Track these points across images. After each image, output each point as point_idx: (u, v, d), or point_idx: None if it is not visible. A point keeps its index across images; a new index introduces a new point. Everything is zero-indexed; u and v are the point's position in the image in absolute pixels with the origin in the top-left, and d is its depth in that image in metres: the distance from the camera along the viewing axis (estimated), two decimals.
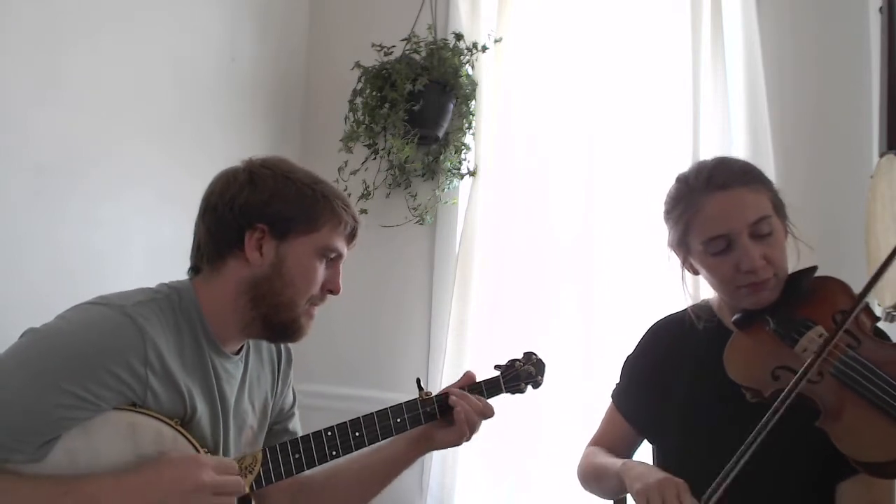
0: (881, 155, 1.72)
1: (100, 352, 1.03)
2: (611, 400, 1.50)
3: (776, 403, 1.08)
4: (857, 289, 1.81)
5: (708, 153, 2.10)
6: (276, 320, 1.19)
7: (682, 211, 1.28)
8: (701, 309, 1.40)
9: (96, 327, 1.05)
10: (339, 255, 1.23)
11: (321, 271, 1.20)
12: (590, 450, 1.47)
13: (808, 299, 1.23)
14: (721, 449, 1.13)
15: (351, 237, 1.24)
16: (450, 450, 2.24)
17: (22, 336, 1.06)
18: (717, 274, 1.26)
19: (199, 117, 2.15)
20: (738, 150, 2.07)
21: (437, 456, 2.27)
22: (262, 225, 1.16)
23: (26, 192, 1.62)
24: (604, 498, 1.47)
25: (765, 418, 1.07)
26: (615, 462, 1.33)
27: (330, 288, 1.22)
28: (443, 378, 2.27)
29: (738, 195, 1.23)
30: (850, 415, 1.09)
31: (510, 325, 2.27)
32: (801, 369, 1.09)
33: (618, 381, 1.51)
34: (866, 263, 1.69)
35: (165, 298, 1.15)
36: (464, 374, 1.40)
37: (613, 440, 1.46)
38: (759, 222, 1.22)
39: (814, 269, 1.28)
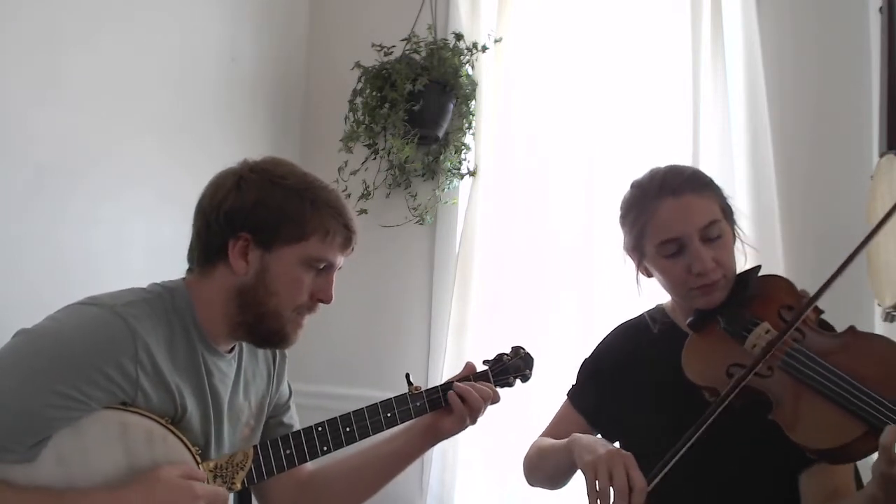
0: (881, 155, 1.72)
1: (90, 352, 1.03)
2: (566, 398, 1.53)
3: (722, 394, 1.13)
4: (857, 288, 1.81)
5: (708, 153, 2.10)
6: (261, 329, 1.18)
7: (637, 216, 1.34)
8: (656, 312, 1.46)
9: (87, 327, 1.05)
10: (330, 265, 1.19)
11: (308, 282, 1.17)
12: (539, 439, 1.51)
13: (755, 297, 1.29)
14: (700, 459, 1.14)
15: (344, 246, 1.20)
16: (450, 449, 2.24)
17: (14, 337, 1.07)
18: (670, 276, 1.31)
19: (199, 117, 2.15)
20: (739, 150, 2.07)
21: (437, 455, 2.27)
22: (246, 233, 1.14)
23: (26, 192, 1.62)
24: (546, 483, 1.49)
25: (712, 406, 1.11)
26: (560, 441, 1.36)
27: (320, 297, 1.19)
28: (443, 378, 2.27)
29: (688, 201, 1.29)
30: (800, 405, 1.13)
31: (510, 325, 2.27)
32: (749, 366, 1.14)
33: (573, 382, 1.54)
34: (866, 263, 1.69)
35: (157, 298, 1.14)
36: (465, 366, 1.40)
37: (563, 434, 1.48)
38: (709, 226, 1.27)
39: (758, 268, 1.35)
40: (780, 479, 1.25)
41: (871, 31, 1.97)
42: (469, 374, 1.37)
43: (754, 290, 1.30)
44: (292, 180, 1.17)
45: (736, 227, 1.36)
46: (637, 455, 1.38)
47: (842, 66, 2.06)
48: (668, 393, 1.33)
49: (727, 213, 1.34)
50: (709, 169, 2.06)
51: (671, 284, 1.33)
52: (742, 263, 1.36)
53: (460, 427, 1.32)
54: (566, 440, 1.32)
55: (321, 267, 1.18)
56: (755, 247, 1.41)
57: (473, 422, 1.33)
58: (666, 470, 1.10)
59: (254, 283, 1.15)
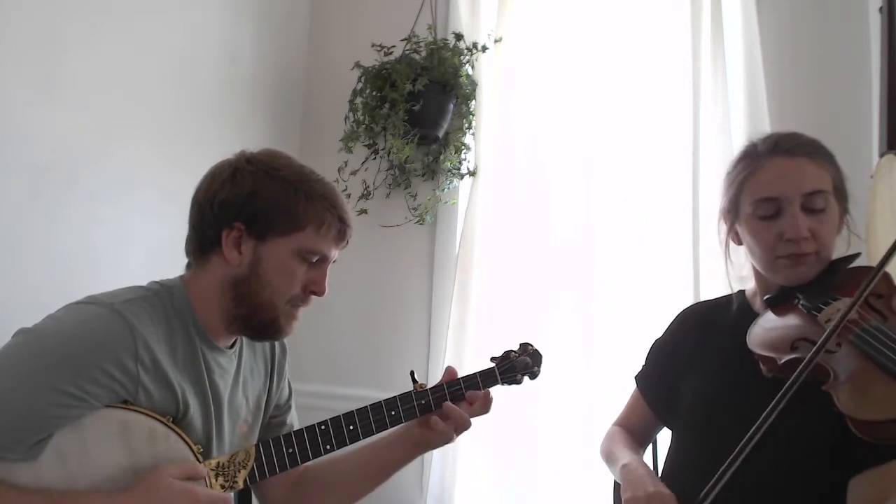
0: (881, 155, 1.72)
1: (91, 350, 1.04)
2: (635, 383, 1.50)
3: (798, 370, 1.05)
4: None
5: (708, 153, 2.10)
6: (256, 320, 1.17)
7: (741, 170, 1.27)
8: (738, 294, 1.40)
9: (87, 326, 1.06)
10: (324, 258, 1.19)
11: (301, 273, 1.17)
12: (613, 430, 1.47)
13: (844, 284, 1.21)
14: (742, 436, 1.11)
15: (338, 239, 1.20)
16: (450, 449, 2.24)
17: (14, 336, 1.07)
18: (760, 239, 1.24)
19: (199, 117, 2.15)
20: (738, 150, 2.07)
21: (437, 456, 2.27)
22: (240, 223, 1.14)
23: (26, 192, 1.62)
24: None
25: (786, 385, 1.04)
26: (623, 456, 1.34)
27: (313, 290, 1.19)
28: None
29: (799, 163, 1.22)
30: (860, 378, 1.07)
31: (510, 324, 2.27)
32: (826, 333, 1.06)
33: (643, 364, 1.50)
34: (867, 263, 1.69)
35: (155, 295, 1.15)
36: (446, 371, 1.35)
37: (635, 423, 1.47)
38: (814, 195, 1.20)
39: (855, 256, 1.27)
40: (824, 480, 1.18)
41: (871, 31, 1.97)
42: (451, 379, 1.32)
43: (845, 276, 1.22)
44: (288, 172, 1.17)
45: (847, 214, 1.27)
46: (700, 442, 1.31)
47: (842, 66, 2.06)
48: (727, 371, 1.28)
49: (840, 192, 1.25)
50: (708, 168, 2.06)
51: (759, 249, 1.25)
52: (843, 253, 1.28)
53: (443, 443, 1.29)
54: (622, 463, 1.30)
55: (314, 259, 1.18)
56: (862, 237, 1.31)
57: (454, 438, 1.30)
58: (727, 478, 1.05)
59: (247, 274, 1.15)
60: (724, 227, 1.34)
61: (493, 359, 1.39)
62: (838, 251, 1.28)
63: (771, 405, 1.04)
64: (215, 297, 1.17)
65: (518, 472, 2.24)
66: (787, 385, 1.05)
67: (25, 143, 1.61)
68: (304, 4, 2.68)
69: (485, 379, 1.34)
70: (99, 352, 1.04)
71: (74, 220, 1.74)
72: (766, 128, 2.04)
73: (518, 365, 1.37)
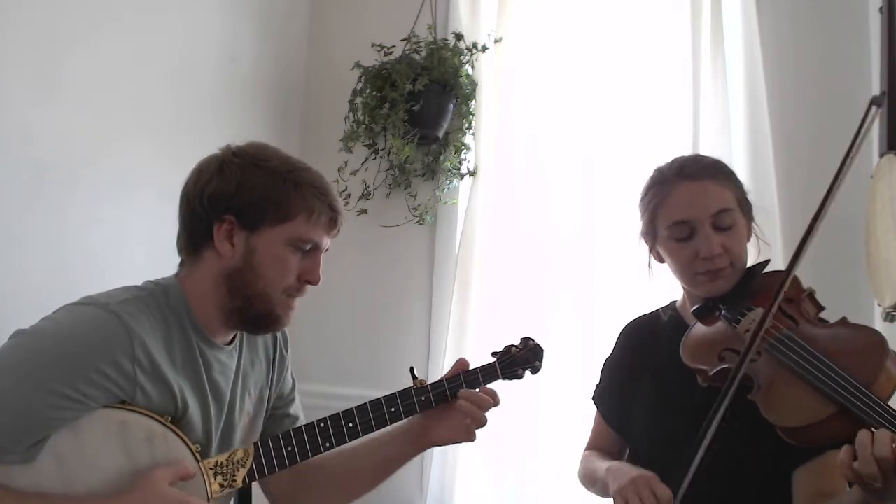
0: (881, 155, 1.72)
1: (87, 351, 1.04)
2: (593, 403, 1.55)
3: (726, 383, 1.15)
4: (857, 288, 1.81)
5: (708, 153, 2.09)
6: (252, 312, 1.17)
7: (653, 196, 1.36)
8: (668, 307, 1.49)
9: (83, 326, 1.06)
10: (316, 246, 1.19)
11: (294, 263, 1.17)
12: (585, 454, 1.52)
13: (759, 290, 1.30)
14: (686, 443, 1.15)
15: (329, 227, 1.20)
16: (450, 449, 2.24)
17: (11, 337, 1.07)
18: (678, 259, 1.33)
19: (198, 117, 2.15)
20: (738, 150, 2.07)
21: (437, 456, 2.27)
22: (230, 216, 1.14)
23: (26, 191, 1.62)
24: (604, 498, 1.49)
25: (717, 401, 1.13)
26: (604, 464, 1.37)
27: (308, 279, 1.19)
28: None
29: (704, 186, 1.31)
30: (779, 386, 1.16)
31: (510, 324, 2.27)
32: (744, 347, 1.17)
33: (597, 383, 1.56)
34: (866, 263, 1.69)
35: (150, 295, 1.14)
36: (457, 362, 1.34)
37: (603, 443, 1.52)
38: (721, 213, 1.30)
39: (766, 262, 1.36)
40: (770, 475, 1.25)
41: (871, 31, 1.97)
42: (460, 371, 1.31)
43: (760, 283, 1.32)
44: (275, 162, 1.17)
45: (753, 223, 1.38)
46: (648, 453, 1.38)
47: (842, 66, 2.06)
48: (667, 382, 1.35)
49: (744, 206, 1.35)
50: None
51: (679, 268, 1.35)
52: (755, 259, 1.38)
53: (458, 438, 1.28)
54: (605, 468, 1.34)
55: (307, 248, 1.18)
56: (769, 243, 1.44)
57: (473, 436, 1.28)
58: (689, 478, 1.12)
59: (241, 266, 1.15)
60: (645, 248, 1.43)
61: (494, 353, 1.38)
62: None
63: (704, 425, 1.12)
64: (211, 293, 1.17)
65: (518, 473, 2.24)
66: (715, 406, 1.13)
67: (25, 143, 1.61)
68: (304, 4, 2.68)
69: (485, 374, 1.33)
70: (95, 353, 1.04)
71: (74, 220, 1.74)
72: (766, 128, 2.05)
73: (519, 359, 1.36)
